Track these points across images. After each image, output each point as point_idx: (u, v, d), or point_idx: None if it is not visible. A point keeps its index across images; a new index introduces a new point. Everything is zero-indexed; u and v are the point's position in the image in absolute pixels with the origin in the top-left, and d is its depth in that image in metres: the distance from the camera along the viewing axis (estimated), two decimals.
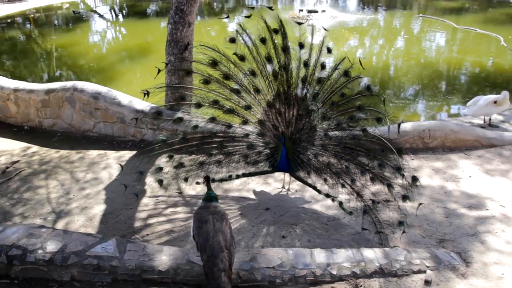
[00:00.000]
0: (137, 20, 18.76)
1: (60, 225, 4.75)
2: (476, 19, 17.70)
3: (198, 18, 19.61)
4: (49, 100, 7.01)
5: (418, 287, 3.65)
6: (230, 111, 5.00)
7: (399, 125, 4.63)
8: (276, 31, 4.74)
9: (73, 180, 5.73)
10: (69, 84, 6.93)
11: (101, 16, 20.25)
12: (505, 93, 7.88)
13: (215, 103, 4.95)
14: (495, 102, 7.85)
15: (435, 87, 11.22)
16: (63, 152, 6.52)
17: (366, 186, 4.70)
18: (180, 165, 5.05)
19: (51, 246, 3.52)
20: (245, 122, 5.07)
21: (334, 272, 3.62)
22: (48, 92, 6.98)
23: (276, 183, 5.73)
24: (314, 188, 5.01)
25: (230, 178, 5.25)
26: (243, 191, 5.54)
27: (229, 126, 5.05)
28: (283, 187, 5.60)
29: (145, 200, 5.28)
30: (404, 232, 4.31)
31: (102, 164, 6.15)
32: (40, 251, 3.49)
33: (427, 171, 6.01)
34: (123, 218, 4.91)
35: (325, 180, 4.87)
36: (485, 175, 5.87)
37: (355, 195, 4.65)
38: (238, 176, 5.25)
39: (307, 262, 3.65)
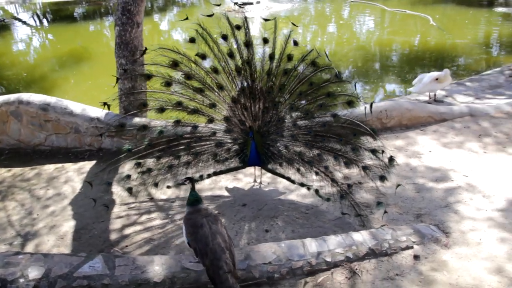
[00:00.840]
0: (65, 25, 17.89)
1: (29, 248, 4.44)
2: (403, 1, 18.51)
3: None
4: None
5: (408, 262, 3.76)
6: (195, 111, 4.88)
7: (371, 105, 4.72)
8: (238, 27, 4.68)
9: (34, 199, 5.37)
10: (12, 97, 6.46)
11: (24, 23, 19.09)
12: (446, 71, 8.31)
13: (178, 105, 4.82)
14: (437, 79, 8.26)
15: (371, 68, 11.63)
16: (16, 170, 6.09)
17: (341, 171, 4.78)
18: (148, 171, 4.89)
19: (34, 273, 3.28)
20: (211, 120, 4.97)
21: (329, 259, 3.66)
22: None
23: (246, 178, 5.69)
24: (288, 179, 5.02)
25: (201, 178, 5.15)
26: (216, 190, 5.45)
27: (195, 126, 4.95)
28: (255, 181, 5.57)
29: (116, 210, 5.05)
30: (385, 212, 4.42)
31: (62, 178, 5.81)
32: (21, 280, 3.23)
33: (389, 150, 6.20)
34: (97, 232, 4.68)
35: (298, 169, 4.89)
36: (444, 148, 6.16)
37: (330, 181, 4.70)
38: (209, 176, 5.17)
39: (301, 253, 3.65)
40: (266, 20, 5.00)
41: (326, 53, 4.75)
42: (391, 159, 4.54)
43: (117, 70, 6.51)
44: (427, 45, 13.20)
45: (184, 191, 5.37)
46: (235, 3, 18.46)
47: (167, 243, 4.41)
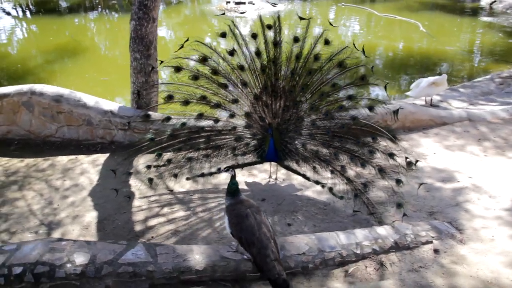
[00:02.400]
0: (52, 18, 17.58)
1: (55, 237, 4.50)
2: (390, 6, 18.92)
3: (115, 14, 18.93)
4: (2, 106, 6.48)
5: (430, 256, 3.99)
6: (217, 106, 5.06)
7: (397, 111, 4.88)
8: (269, 27, 4.84)
9: (52, 189, 5.40)
10: (25, 87, 6.45)
11: (8, 14, 18.72)
12: (443, 76, 8.64)
13: (202, 99, 4.99)
14: (434, 83, 8.58)
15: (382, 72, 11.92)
16: (29, 161, 6.09)
17: (356, 171, 4.96)
18: (168, 162, 5.01)
19: (80, 259, 3.37)
20: (232, 115, 5.13)
21: (358, 251, 3.85)
22: (1, 97, 6.45)
23: (261, 174, 5.84)
24: (303, 176, 5.20)
25: (219, 171, 5.28)
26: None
27: (217, 120, 5.10)
28: (270, 177, 5.73)
29: (136, 203, 5.14)
30: (405, 215, 4.56)
31: (77, 169, 5.86)
32: (69, 265, 3.32)
33: (393, 148, 6.45)
34: (120, 223, 4.76)
35: (314, 168, 5.07)
36: (447, 150, 6.45)
37: (346, 180, 4.88)
38: (227, 169, 5.30)
39: (332, 244, 3.84)
40: (274, 4, 5.26)
41: (363, 50, 4.83)
42: (409, 163, 4.68)
43: (131, 63, 6.57)
44: (418, 51, 13.60)
45: (201, 185, 5.49)
46: (228, 2, 18.54)
47: (193, 235, 4.52)
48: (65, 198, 5.22)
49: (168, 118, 5.12)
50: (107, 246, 3.54)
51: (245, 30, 5.12)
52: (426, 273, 3.76)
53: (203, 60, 4.89)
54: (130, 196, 5.21)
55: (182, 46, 4.72)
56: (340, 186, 4.93)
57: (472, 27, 16.38)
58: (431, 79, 8.66)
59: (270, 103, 5.02)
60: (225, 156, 5.21)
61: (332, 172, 4.96)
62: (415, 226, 4.29)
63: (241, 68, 4.97)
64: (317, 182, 5.11)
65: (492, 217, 4.69)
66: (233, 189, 3.63)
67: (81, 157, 6.19)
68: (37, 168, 5.89)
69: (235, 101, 5.07)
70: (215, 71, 4.95)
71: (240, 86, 5.02)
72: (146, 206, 5.07)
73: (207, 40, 16.07)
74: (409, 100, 9.22)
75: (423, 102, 9.01)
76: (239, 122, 5.19)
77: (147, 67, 6.48)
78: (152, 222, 4.78)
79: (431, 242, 4.14)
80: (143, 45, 6.43)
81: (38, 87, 6.44)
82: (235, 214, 3.46)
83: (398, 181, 4.70)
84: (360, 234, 4.04)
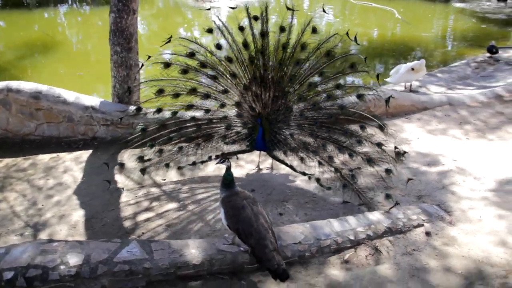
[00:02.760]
0: (20, 12, 17.03)
1: (42, 238, 4.38)
2: None
3: (86, 7, 18.49)
4: None
5: (422, 239, 4.05)
6: (207, 96, 5.06)
7: (388, 99, 4.88)
8: (256, 18, 4.80)
9: (35, 189, 5.25)
10: (1, 84, 6.23)
11: None
12: (422, 61, 8.75)
13: (193, 91, 4.97)
14: (413, 69, 8.68)
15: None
16: (8, 160, 5.91)
17: (345, 161, 4.96)
18: (160, 152, 5.04)
19: (74, 259, 3.28)
20: (223, 105, 5.14)
21: (352, 238, 3.88)
22: None
23: (248, 165, 5.82)
24: (291, 167, 5.20)
25: (210, 159, 5.30)
26: (220, 176, 5.53)
27: (207, 110, 5.11)
28: (258, 167, 5.70)
29: (124, 198, 5.05)
30: (397, 203, 4.42)
31: (60, 168, 5.71)
32: (62, 267, 3.22)
33: (380, 137, 6.49)
34: (109, 221, 4.67)
35: (302, 158, 5.07)
36: (429, 135, 6.55)
37: (333, 170, 4.88)
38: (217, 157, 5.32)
39: (327, 232, 3.85)
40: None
41: (355, 38, 4.77)
42: (398, 153, 4.68)
43: (111, 57, 6.43)
44: (395, 37, 13.74)
45: (189, 177, 5.44)
46: None
47: (184, 229, 4.47)
48: (50, 197, 5.09)
49: (159, 110, 5.08)
50: (101, 245, 3.46)
51: (224, 21, 5.08)
52: (420, 255, 3.81)
53: (191, 55, 4.91)
54: (116, 193, 5.11)
55: (168, 41, 4.69)
56: (328, 176, 4.93)
57: (445, 13, 16.64)
58: (409, 64, 8.76)
59: (259, 93, 5.00)
60: (216, 144, 5.22)
61: (320, 163, 4.95)
62: (406, 210, 4.34)
63: (229, 60, 4.97)
64: (303, 173, 5.10)
65: (478, 198, 4.79)
66: (228, 180, 3.58)
67: (63, 154, 6.04)
68: (17, 168, 5.72)
69: (225, 91, 5.08)
70: (203, 64, 4.95)
71: (229, 77, 5.01)
72: (134, 201, 4.99)
73: (183, 33, 15.91)
74: (389, 86, 9.31)
75: (403, 88, 9.11)
76: (230, 111, 5.21)
77: (128, 60, 6.35)
78: (142, 217, 4.70)
79: (422, 225, 4.20)
80: (123, 38, 6.29)
81: (14, 84, 6.24)
82: (231, 206, 3.43)
83: (388, 171, 4.71)
84: (354, 220, 4.06)
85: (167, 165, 5.06)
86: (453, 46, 13.25)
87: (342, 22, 16.29)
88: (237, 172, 5.61)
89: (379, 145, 4.71)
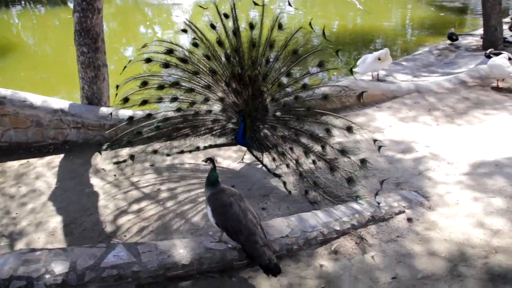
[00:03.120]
0: None
1: (19, 248, 4.22)
2: None
3: (41, 8, 17.89)
4: None
5: (404, 225, 4.14)
6: (191, 90, 5.09)
7: (362, 94, 4.96)
8: (226, 16, 4.79)
9: (6, 197, 5.05)
10: None
11: None
12: (386, 49, 8.90)
13: (176, 84, 5.04)
14: (379, 58, 8.83)
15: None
16: None
17: (311, 167, 4.91)
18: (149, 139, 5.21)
19: (59, 267, 3.17)
20: (207, 99, 5.16)
21: (338, 228, 3.92)
22: None
23: (225, 161, 5.78)
24: (265, 166, 5.21)
25: (197, 149, 5.45)
26: (198, 172, 5.49)
27: (193, 103, 5.16)
28: (242, 160, 5.67)
29: (102, 202, 4.92)
30: (358, 197, 4.44)
31: (31, 174, 5.51)
32: (47, 276, 3.12)
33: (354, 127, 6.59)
34: (89, 225, 4.54)
35: (274, 159, 5.09)
36: (401, 122, 6.69)
37: (299, 174, 4.82)
38: (205, 148, 5.49)
39: (313, 224, 3.88)
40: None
41: (323, 32, 4.85)
42: (363, 161, 4.56)
43: (78, 58, 6.25)
44: (357, 28, 13.95)
45: (167, 177, 5.37)
46: None
47: (166, 229, 4.40)
48: (23, 205, 4.91)
49: (149, 115, 5.21)
50: (86, 251, 3.36)
51: (185, 17, 5.13)
52: (404, 241, 3.89)
53: (170, 51, 4.95)
54: (93, 196, 4.99)
55: (144, 46, 4.73)
56: (294, 178, 4.94)
57: (405, 3, 17.02)
58: (376, 54, 8.91)
59: (240, 90, 5.01)
60: (203, 136, 5.30)
61: (287, 166, 4.94)
62: (386, 198, 4.42)
63: (207, 57, 4.99)
64: (275, 174, 5.11)
65: (454, 182, 4.93)
66: (212, 180, 3.55)
67: (33, 160, 5.83)
68: None
69: (207, 87, 5.10)
70: (183, 60, 4.97)
71: (210, 74, 5.02)
72: (113, 204, 4.87)
73: (143, 30, 15.63)
74: (357, 76, 9.45)
75: (370, 78, 9.26)
76: (215, 106, 5.24)
77: (95, 61, 6.19)
78: (122, 220, 4.60)
79: (404, 211, 4.29)
80: (89, 38, 6.12)
81: None
82: (218, 204, 3.40)
83: (350, 181, 4.53)
84: (338, 211, 4.11)
85: (155, 152, 5.24)
86: (414, 35, 13.58)
87: (305, 14, 16.40)
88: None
89: (343, 152, 4.60)
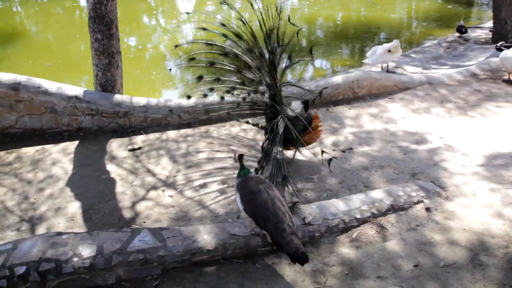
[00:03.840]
0: None
1: (40, 232, 4.25)
2: None
3: None
4: None
5: (423, 214, 4.17)
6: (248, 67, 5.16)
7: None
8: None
9: (24, 183, 5.07)
10: None
11: None
12: (396, 41, 8.89)
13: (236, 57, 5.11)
14: (389, 50, 8.82)
15: (327, 43, 12.06)
16: None
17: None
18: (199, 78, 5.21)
19: (86, 251, 3.20)
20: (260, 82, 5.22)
21: (358, 216, 3.95)
22: None
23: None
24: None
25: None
26: (213, 161, 5.50)
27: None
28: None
29: (119, 189, 4.94)
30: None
31: (48, 160, 5.52)
32: (76, 259, 3.15)
33: (367, 117, 6.62)
34: (108, 211, 4.57)
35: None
36: (414, 114, 6.70)
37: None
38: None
39: (334, 212, 3.91)
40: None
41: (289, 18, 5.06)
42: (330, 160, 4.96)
43: (92, 45, 6.24)
44: (364, 19, 13.90)
45: (182, 165, 5.37)
46: None
47: (186, 216, 4.42)
48: (41, 191, 4.93)
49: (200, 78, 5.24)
50: (112, 235, 3.39)
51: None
52: (424, 231, 3.92)
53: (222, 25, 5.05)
54: (110, 183, 5.00)
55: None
56: None
57: None
58: (386, 46, 8.90)
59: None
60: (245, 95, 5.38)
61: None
62: (405, 188, 4.45)
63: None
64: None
65: (470, 173, 4.95)
66: (243, 173, 3.64)
67: (48, 146, 5.84)
68: (2, 162, 5.49)
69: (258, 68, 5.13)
70: (237, 35, 5.03)
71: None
72: (130, 191, 4.89)
73: (146, 20, 15.56)
74: (366, 68, 9.45)
75: (380, 69, 9.26)
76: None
77: (110, 48, 6.18)
78: (140, 207, 4.62)
79: (422, 201, 4.32)
80: (103, 24, 6.10)
81: None
82: (247, 191, 3.43)
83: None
84: (357, 199, 4.13)
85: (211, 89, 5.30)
86: (422, 27, 13.54)
87: (312, 5, 16.34)
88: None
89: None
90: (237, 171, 3.75)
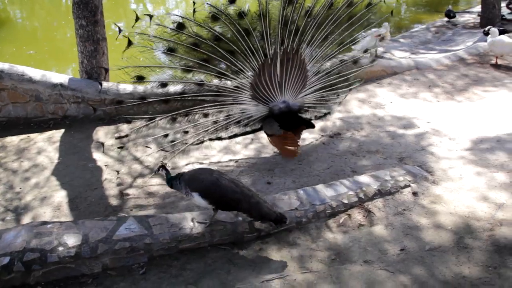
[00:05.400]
0: None
1: (26, 222, 4.20)
2: None
3: None
4: None
5: (410, 199, 4.19)
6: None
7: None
8: None
9: (9, 172, 5.01)
10: None
11: None
12: (385, 25, 8.83)
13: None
14: (379, 35, 8.78)
15: None
16: None
17: None
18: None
19: (71, 240, 3.18)
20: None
21: (346, 201, 3.96)
22: None
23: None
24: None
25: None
26: (202, 148, 5.47)
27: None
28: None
29: (106, 176, 4.92)
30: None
31: (33, 149, 5.46)
32: (61, 248, 3.12)
33: (355, 103, 6.62)
34: (94, 200, 4.53)
35: None
36: (402, 99, 6.71)
37: None
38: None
39: (321, 197, 3.91)
40: None
41: None
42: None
43: (77, 31, 6.14)
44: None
45: (171, 153, 5.32)
46: None
47: (173, 204, 4.40)
48: (27, 180, 4.87)
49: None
50: (97, 224, 3.36)
51: None
52: (410, 215, 3.94)
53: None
54: (97, 171, 4.96)
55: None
56: None
57: None
58: (373, 31, 8.85)
59: None
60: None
61: None
62: (392, 172, 4.46)
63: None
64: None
65: (456, 157, 4.97)
66: (173, 177, 3.53)
67: (34, 135, 5.77)
68: None
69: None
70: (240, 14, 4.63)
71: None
72: (117, 179, 4.86)
73: (133, 6, 15.35)
74: (355, 53, 9.40)
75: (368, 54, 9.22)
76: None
77: (95, 34, 6.09)
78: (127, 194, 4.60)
79: (409, 185, 4.33)
80: (88, 10, 6.00)
81: None
82: (207, 185, 3.35)
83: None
84: (345, 184, 4.14)
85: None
86: (410, 12, 13.50)
87: None
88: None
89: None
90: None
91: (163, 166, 3.56)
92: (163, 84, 4.68)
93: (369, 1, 5.12)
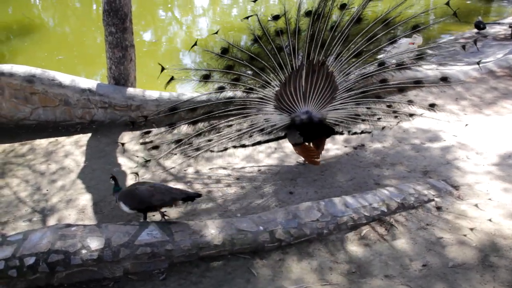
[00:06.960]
0: None
1: (51, 223, 4.31)
2: None
3: None
4: None
5: (434, 213, 4.11)
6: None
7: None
8: None
9: (37, 174, 5.15)
10: None
11: None
12: (419, 36, 8.72)
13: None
14: (412, 44, 8.69)
15: None
16: (5, 146, 5.76)
17: None
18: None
19: (94, 243, 3.24)
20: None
21: (368, 214, 3.92)
22: None
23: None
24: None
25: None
26: (225, 155, 5.50)
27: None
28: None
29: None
30: None
31: (60, 152, 5.59)
32: (84, 251, 3.19)
33: (380, 113, 6.53)
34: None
35: None
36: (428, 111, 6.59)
37: None
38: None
39: (343, 209, 3.88)
40: None
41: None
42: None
43: (106, 38, 6.28)
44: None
45: (193, 159, 5.38)
46: None
47: (195, 211, 4.43)
48: (53, 182, 4.99)
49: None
50: (120, 228, 3.42)
51: None
52: (433, 230, 3.87)
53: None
54: (121, 176, 5.04)
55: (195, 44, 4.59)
56: None
57: None
58: (409, 39, 8.77)
59: None
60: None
61: None
62: (416, 186, 4.39)
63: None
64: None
65: (483, 172, 4.87)
66: (115, 189, 3.94)
67: (61, 139, 5.92)
68: (16, 154, 5.58)
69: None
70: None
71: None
72: None
73: (162, 14, 15.58)
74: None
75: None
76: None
77: (123, 41, 6.22)
78: None
79: (433, 200, 4.26)
80: (118, 18, 6.14)
81: (6, 68, 6.04)
82: (125, 194, 3.75)
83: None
84: (367, 197, 4.10)
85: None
86: (440, 22, 13.30)
87: None
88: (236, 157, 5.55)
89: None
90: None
91: (113, 177, 3.95)
92: (193, 109, 4.87)
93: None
